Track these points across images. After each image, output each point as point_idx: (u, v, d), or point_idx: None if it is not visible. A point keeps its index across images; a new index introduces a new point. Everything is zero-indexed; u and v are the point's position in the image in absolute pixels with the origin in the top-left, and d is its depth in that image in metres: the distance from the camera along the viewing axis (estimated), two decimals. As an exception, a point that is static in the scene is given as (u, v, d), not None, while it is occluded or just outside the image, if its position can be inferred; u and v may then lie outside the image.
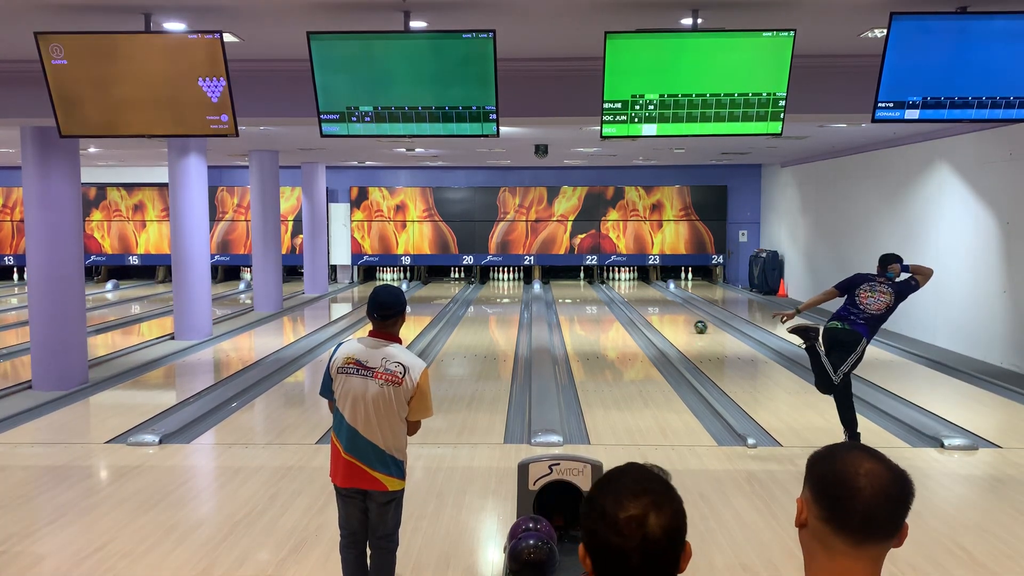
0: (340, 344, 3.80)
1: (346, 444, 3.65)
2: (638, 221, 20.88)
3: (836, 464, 1.47)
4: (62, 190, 8.62)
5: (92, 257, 21.42)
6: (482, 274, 21.67)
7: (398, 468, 3.71)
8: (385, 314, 3.67)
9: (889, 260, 6.82)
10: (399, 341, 3.75)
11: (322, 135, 5.99)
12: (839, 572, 1.44)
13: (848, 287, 6.72)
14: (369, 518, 3.75)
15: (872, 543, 1.45)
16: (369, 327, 3.79)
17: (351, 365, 3.63)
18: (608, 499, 1.40)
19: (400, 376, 3.60)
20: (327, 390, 3.75)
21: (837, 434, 7.11)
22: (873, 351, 11.23)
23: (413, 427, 3.77)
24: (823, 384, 6.46)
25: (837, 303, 6.82)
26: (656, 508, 1.38)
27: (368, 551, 3.87)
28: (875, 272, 6.83)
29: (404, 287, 19.88)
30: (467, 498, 5.60)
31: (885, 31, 5.36)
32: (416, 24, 5.83)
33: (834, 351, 6.49)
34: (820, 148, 15.18)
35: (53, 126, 6.14)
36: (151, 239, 21.56)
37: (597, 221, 20.92)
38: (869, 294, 6.62)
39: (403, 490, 3.79)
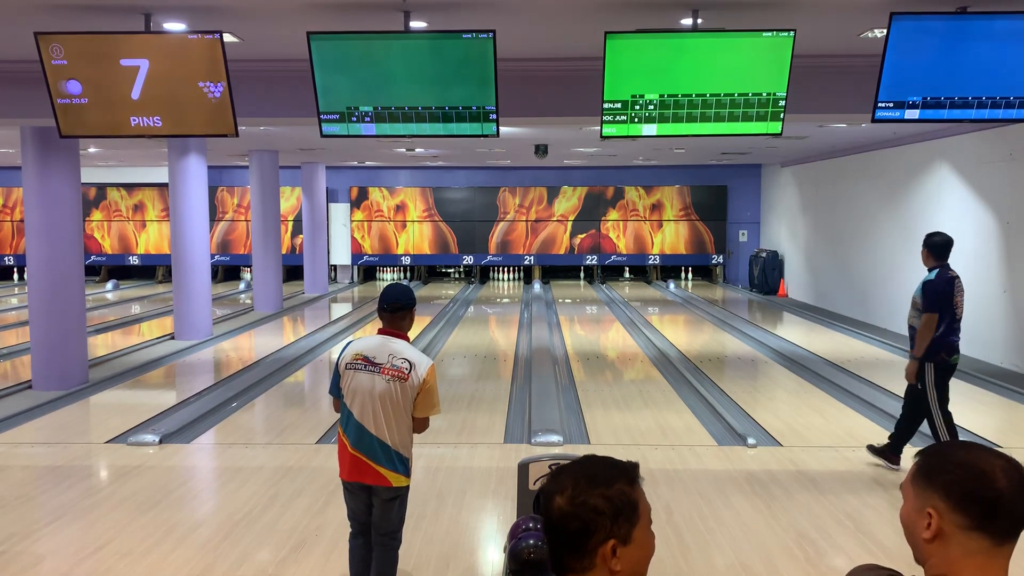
0: (349, 342, 3.84)
1: (353, 440, 3.70)
2: (638, 221, 20.88)
3: (972, 469, 1.40)
4: (62, 190, 8.62)
5: (92, 257, 21.42)
6: (482, 274, 21.68)
7: (404, 465, 3.73)
8: (394, 306, 3.73)
9: (949, 245, 5.95)
10: (407, 339, 3.79)
11: (322, 135, 5.99)
12: (981, 574, 1.40)
13: (946, 300, 5.79)
14: (373, 514, 3.78)
15: (1013, 540, 1.41)
16: (378, 326, 3.83)
17: (359, 361, 3.68)
18: (552, 471, 1.53)
19: (406, 372, 3.64)
20: (335, 388, 3.79)
21: (838, 434, 7.12)
22: (873, 350, 11.24)
23: (420, 424, 3.78)
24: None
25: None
26: (561, 491, 1.47)
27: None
28: (938, 263, 5.89)
29: (404, 287, 19.87)
30: (467, 498, 5.60)
31: (885, 31, 5.36)
32: (416, 24, 5.83)
33: (946, 382, 5.97)
34: (820, 148, 15.18)
35: (53, 126, 6.14)
36: (151, 239, 21.56)
37: (597, 221, 20.92)
38: (960, 298, 5.88)
39: (408, 487, 3.82)
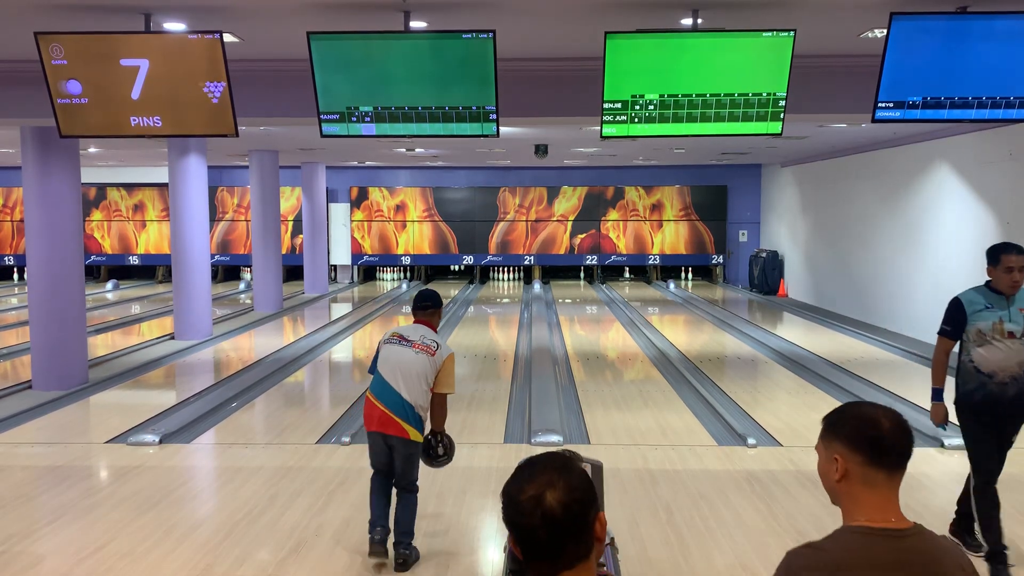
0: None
1: (380, 396, 4.45)
2: (638, 221, 20.88)
3: (863, 421, 1.80)
4: (62, 190, 8.62)
5: (92, 257, 21.42)
6: (482, 274, 21.67)
7: (419, 423, 4.47)
8: (424, 305, 4.69)
9: None
10: (435, 330, 4.68)
11: (322, 135, 5.99)
12: (882, 500, 1.78)
13: None
14: (395, 467, 4.51)
15: (898, 472, 1.80)
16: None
17: (395, 338, 4.55)
18: (513, 486, 1.56)
19: (434, 349, 4.49)
20: (375, 367, 4.56)
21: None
22: (873, 350, 11.24)
23: (439, 401, 4.53)
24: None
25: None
26: (550, 486, 1.52)
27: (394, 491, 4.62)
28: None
29: (404, 287, 19.96)
30: (467, 498, 5.60)
31: (885, 31, 5.36)
32: (416, 24, 5.83)
33: None
34: (820, 148, 15.18)
35: (53, 126, 6.14)
36: (151, 239, 21.56)
37: (597, 221, 20.91)
38: None
39: (422, 443, 4.56)
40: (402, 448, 4.45)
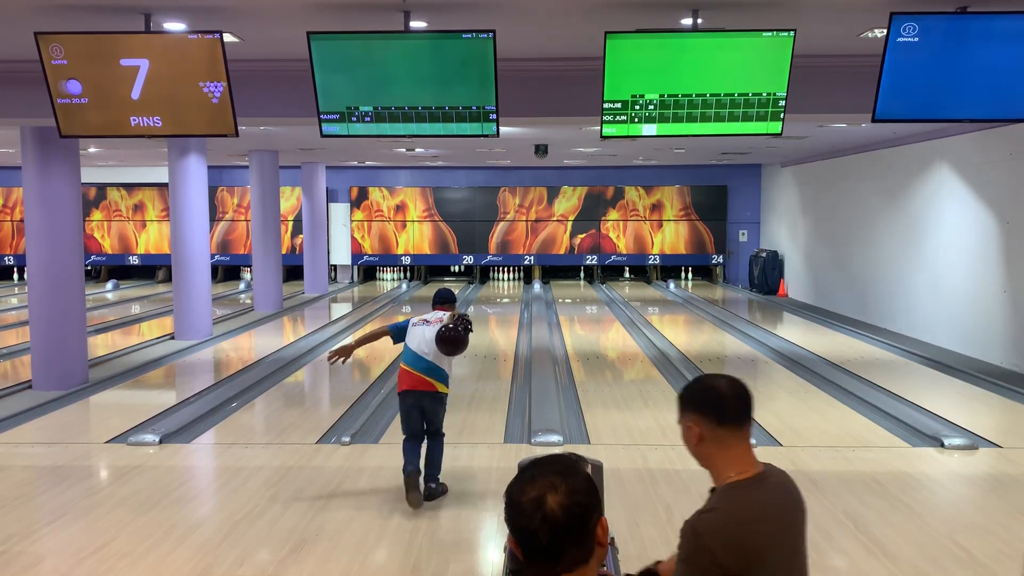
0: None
1: (412, 364, 5.43)
2: (638, 221, 20.89)
3: (705, 389, 2.12)
4: (62, 190, 8.62)
5: (92, 257, 21.42)
6: (482, 274, 21.68)
7: (444, 378, 5.47)
8: (443, 300, 5.74)
9: None
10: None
11: (322, 135, 6.00)
12: (735, 453, 2.09)
13: None
14: (426, 416, 5.46)
15: (745, 426, 2.12)
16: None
17: (420, 321, 5.55)
18: (515, 488, 1.57)
19: (443, 319, 5.50)
20: (398, 330, 5.60)
21: (836, 434, 7.12)
22: (873, 350, 11.23)
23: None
24: None
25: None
26: (552, 489, 1.54)
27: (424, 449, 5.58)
28: None
29: (404, 287, 19.97)
30: (467, 498, 5.60)
31: (885, 31, 5.37)
32: (416, 24, 5.83)
33: None
34: (820, 148, 15.18)
35: (53, 126, 6.14)
36: (151, 239, 21.56)
37: (597, 221, 20.92)
38: None
39: (447, 395, 5.56)
40: (430, 401, 5.44)
